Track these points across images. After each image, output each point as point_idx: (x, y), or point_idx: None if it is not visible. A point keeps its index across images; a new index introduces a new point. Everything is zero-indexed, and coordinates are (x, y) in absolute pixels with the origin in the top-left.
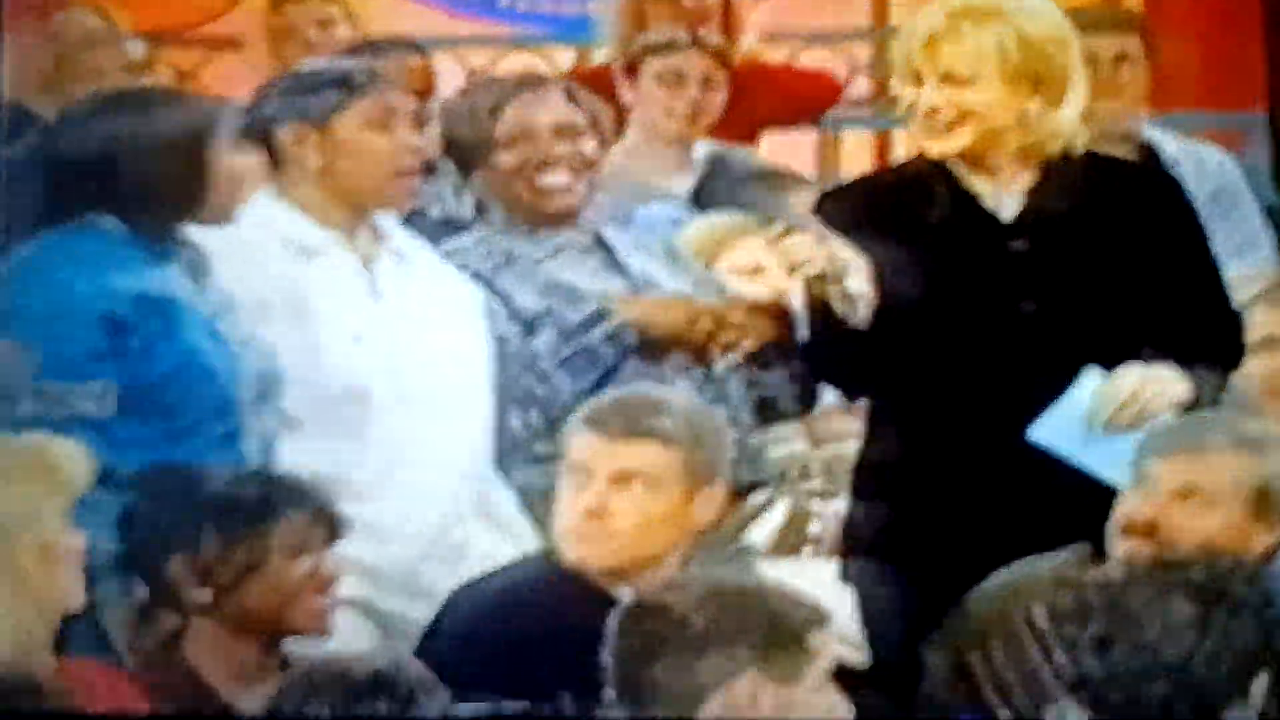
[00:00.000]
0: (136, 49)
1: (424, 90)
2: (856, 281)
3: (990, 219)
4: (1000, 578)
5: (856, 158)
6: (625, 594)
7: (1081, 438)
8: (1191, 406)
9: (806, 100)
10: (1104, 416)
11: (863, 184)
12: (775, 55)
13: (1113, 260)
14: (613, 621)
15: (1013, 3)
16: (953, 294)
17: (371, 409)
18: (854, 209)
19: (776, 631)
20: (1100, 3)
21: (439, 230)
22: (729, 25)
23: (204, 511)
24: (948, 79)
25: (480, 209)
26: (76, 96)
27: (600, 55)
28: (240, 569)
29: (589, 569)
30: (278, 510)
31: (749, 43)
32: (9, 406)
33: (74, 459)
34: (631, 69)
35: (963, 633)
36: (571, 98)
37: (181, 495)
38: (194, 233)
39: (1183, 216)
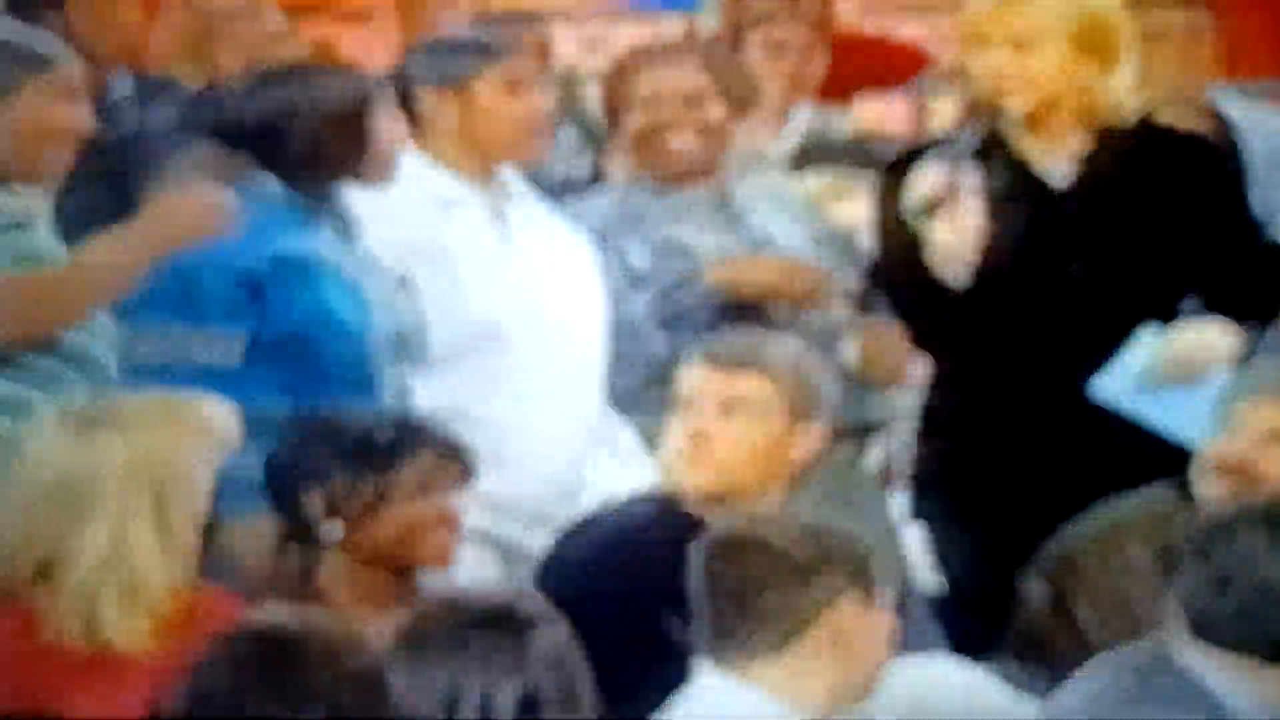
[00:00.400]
0: (277, 21)
1: (541, 58)
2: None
3: (1041, 185)
4: (1097, 514)
5: (946, 122)
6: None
7: (1138, 392)
8: (1242, 360)
9: (899, 68)
10: (1160, 372)
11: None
12: (871, 26)
13: (1159, 224)
14: (699, 554)
15: None
16: (1008, 257)
17: (503, 349)
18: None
19: (854, 563)
20: None
21: (559, 189)
22: None
23: (337, 451)
24: (1014, 44)
25: (599, 170)
26: (220, 66)
27: (707, 25)
28: (368, 505)
29: (690, 494)
30: (406, 450)
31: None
32: (141, 349)
33: (225, 418)
34: (736, 38)
35: (1060, 567)
36: (709, 64)
37: (318, 437)
38: (347, 194)
39: (1226, 183)
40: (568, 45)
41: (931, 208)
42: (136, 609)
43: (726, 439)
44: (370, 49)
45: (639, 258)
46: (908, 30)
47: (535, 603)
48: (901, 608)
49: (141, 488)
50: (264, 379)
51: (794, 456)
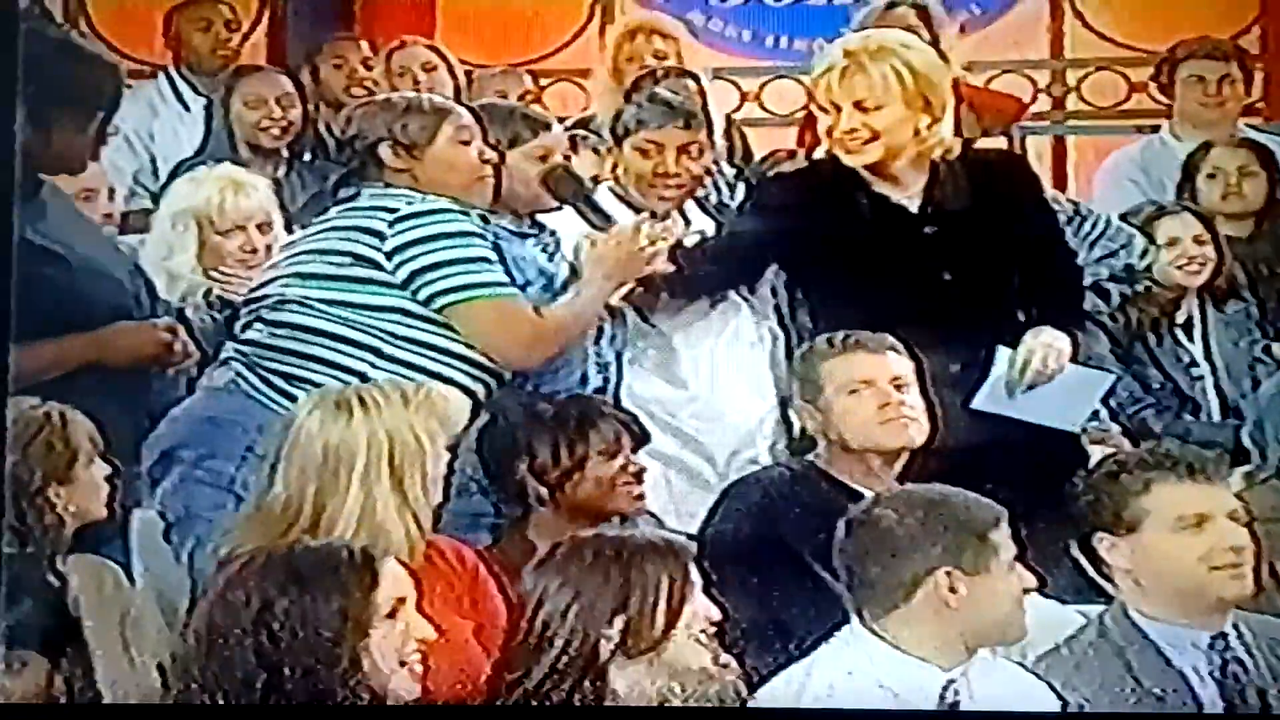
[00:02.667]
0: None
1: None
2: None
3: (902, 210)
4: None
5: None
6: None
7: (1008, 398)
8: (1074, 358)
9: (998, 114)
10: (1020, 379)
11: (795, 177)
12: (973, 79)
13: (993, 233)
14: (840, 530)
15: (897, 40)
16: (883, 269)
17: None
18: (795, 196)
19: (964, 532)
20: (1205, 38)
21: (712, 213)
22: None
23: (538, 426)
24: (858, 106)
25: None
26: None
27: None
28: (568, 469)
29: (894, 449)
30: (590, 423)
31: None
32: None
33: (458, 405)
34: None
35: None
36: None
37: (521, 414)
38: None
39: (1033, 188)
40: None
41: None
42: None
43: (910, 403)
44: (571, 100)
45: None
46: (1003, 81)
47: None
48: None
49: (382, 459)
50: None
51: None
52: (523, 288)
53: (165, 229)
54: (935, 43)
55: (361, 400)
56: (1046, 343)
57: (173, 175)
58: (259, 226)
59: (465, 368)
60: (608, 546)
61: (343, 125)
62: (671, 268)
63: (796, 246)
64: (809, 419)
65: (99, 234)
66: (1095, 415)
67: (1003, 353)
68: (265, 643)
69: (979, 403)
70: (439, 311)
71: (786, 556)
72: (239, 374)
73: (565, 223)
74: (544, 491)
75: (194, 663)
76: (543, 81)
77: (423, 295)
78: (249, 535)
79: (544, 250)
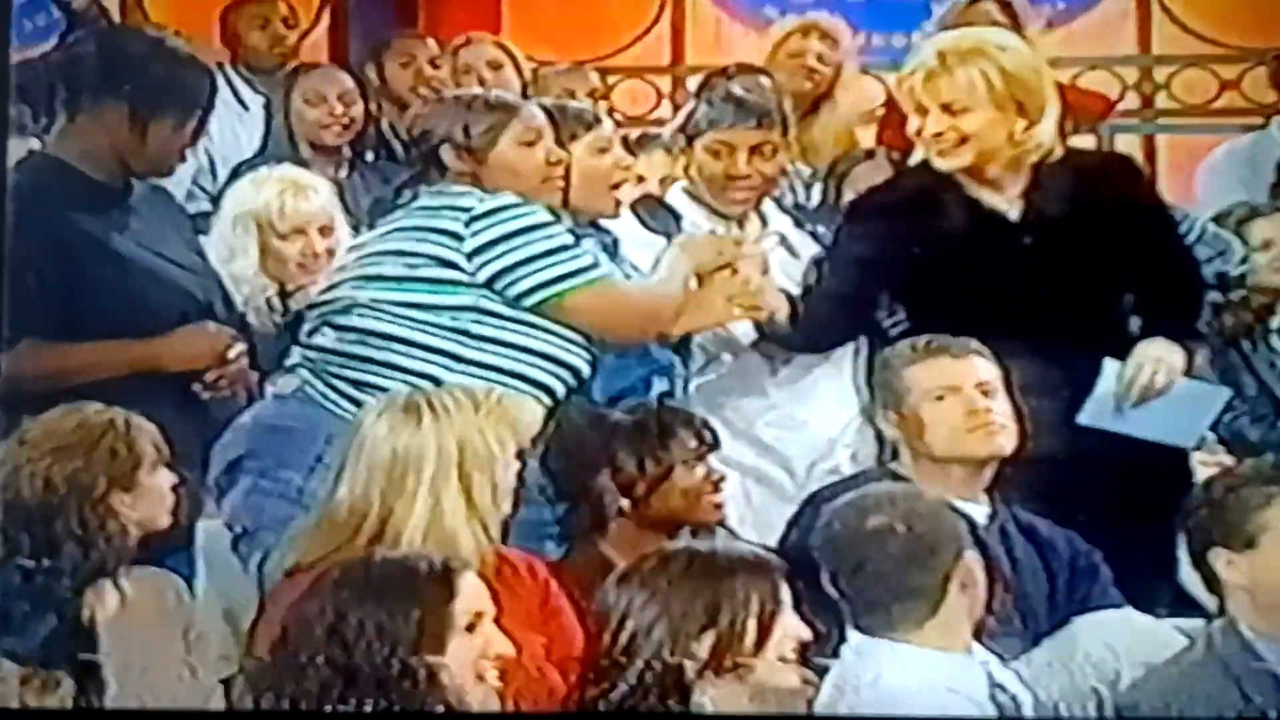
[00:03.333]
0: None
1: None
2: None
3: (999, 219)
4: None
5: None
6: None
7: (1117, 413)
8: (1187, 371)
9: (1086, 112)
10: (1127, 393)
11: (887, 191)
12: (1061, 76)
13: (1099, 238)
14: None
15: (992, 40)
16: (976, 285)
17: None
18: (885, 212)
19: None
20: None
21: (791, 213)
22: None
23: (619, 435)
24: (948, 108)
25: (824, 202)
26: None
27: None
28: (654, 479)
29: (982, 458)
30: (671, 431)
31: None
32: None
33: (530, 411)
34: None
35: None
36: None
37: (600, 428)
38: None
39: (1143, 191)
40: None
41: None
42: None
43: (998, 408)
44: (640, 98)
45: None
46: (1091, 78)
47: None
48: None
49: (451, 467)
50: None
51: None
52: None
53: (226, 232)
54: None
55: (431, 405)
56: (1157, 356)
57: (232, 176)
58: (320, 229)
59: (547, 365)
60: (697, 561)
61: (408, 125)
62: (784, 309)
63: (893, 260)
64: (891, 427)
65: (188, 237)
66: None
67: (1110, 366)
68: (340, 656)
69: (1085, 418)
70: (533, 308)
71: None
72: (307, 381)
73: (624, 226)
74: (626, 503)
75: (264, 677)
76: (611, 79)
77: (512, 293)
78: (313, 544)
79: (604, 250)
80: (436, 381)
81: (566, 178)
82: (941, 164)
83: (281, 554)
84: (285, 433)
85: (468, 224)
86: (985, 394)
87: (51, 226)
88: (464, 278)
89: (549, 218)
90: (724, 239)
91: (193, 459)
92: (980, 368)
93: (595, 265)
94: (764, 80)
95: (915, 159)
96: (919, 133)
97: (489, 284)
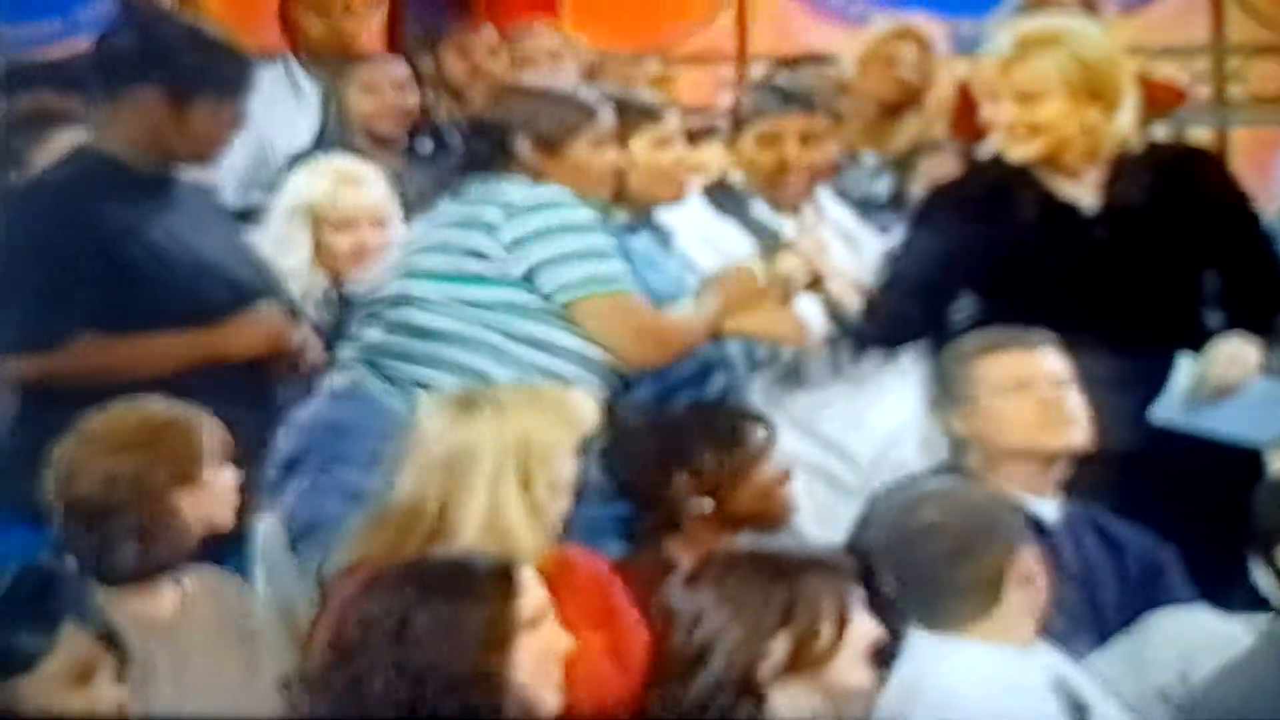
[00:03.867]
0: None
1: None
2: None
3: (1073, 212)
4: None
5: None
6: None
7: (1191, 411)
8: (1264, 368)
9: (1156, 104)
10: (1204, 390)
11: (960, 186)
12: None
13: (1178, 232)
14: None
15: (1070, 29)
16: (1051, 279)
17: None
18: (958, 207)
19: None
20: None
21: (856, 206)
22: None
23: (691, 433)
24: (1019, 97)
25: (897, 193)
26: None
27: None
28: (732, 476)
29: (1055, 451)
30: (742, 428)
31: None
32: None
33: (589, 407)
34: None
35: None
36: None
37: (673, 428)
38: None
39: (1227, 184)
40: None
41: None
42: None
43: (1074, 401)
44: (703, 88)
45: None
46: (1162, 68)
47: (836, 556)
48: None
49: (509, 462)
50: None
51: None
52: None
53: (280, 224)
54: None
55: (489, 401)
56: (1232, 352)
57: (288, 166)
58: (373, 222)
59: (586, 366)
60: (766, 561)
61: (477, 111)
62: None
63: (969, 255)
64: (959, 421)
65: (230, 229)
66: None
67: (1185, 362)
68: (406, 656)
69: (1158, 415)
70: (562, 306)
71: None
72: (362, 377)
73: (679, 218)
74: (706, 502)
75: (325, 678)
76: (672, 68)
77: (546, 289)
78: (370, 542)
79: (659, 244)
80: (487, 378)
81: (621, 176)
82: (1013, 154)
83: (340, 552)
84: (341, 430)
85: (509, 217)
86: (1057, 387)
87: (95, 217)
88: (504, 272)
89: (590, 219)
90: (755, 273)
91: (251, 456)
92: (1052, 360)
93: (622, 279)
94: (827, 69)
95: (985, 149)
96: (992, 121)
97: (526, 278)
